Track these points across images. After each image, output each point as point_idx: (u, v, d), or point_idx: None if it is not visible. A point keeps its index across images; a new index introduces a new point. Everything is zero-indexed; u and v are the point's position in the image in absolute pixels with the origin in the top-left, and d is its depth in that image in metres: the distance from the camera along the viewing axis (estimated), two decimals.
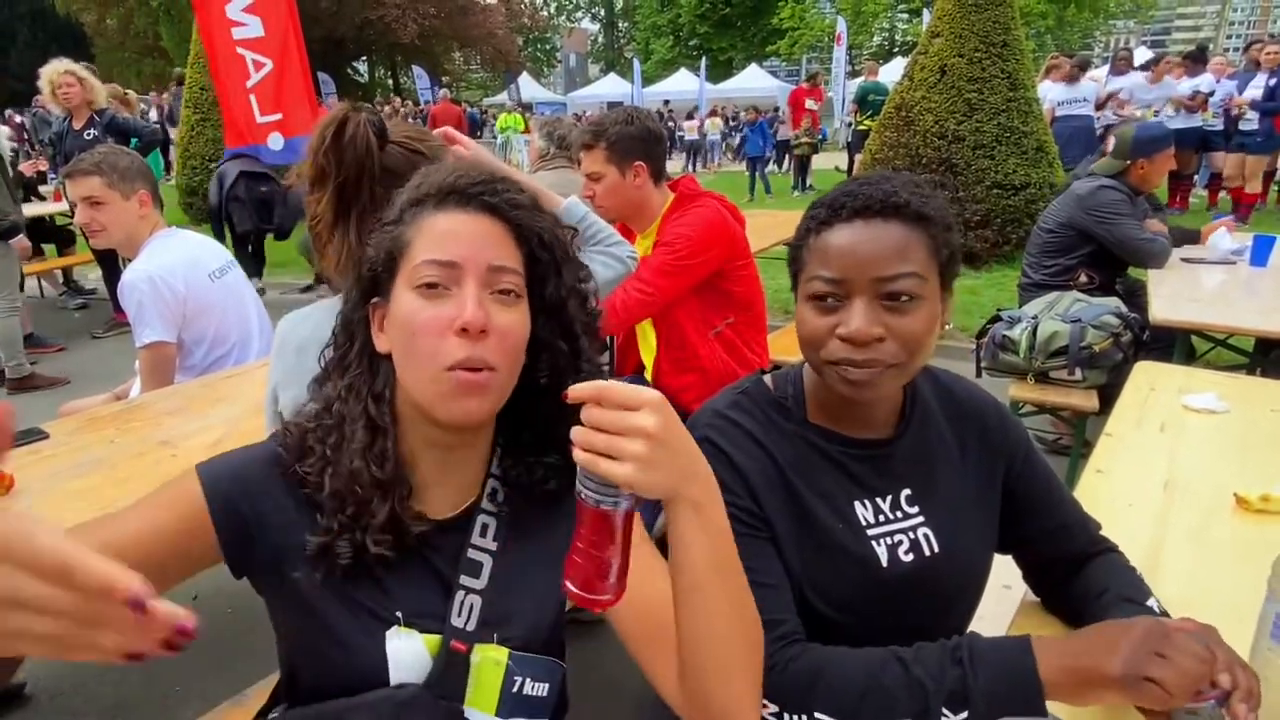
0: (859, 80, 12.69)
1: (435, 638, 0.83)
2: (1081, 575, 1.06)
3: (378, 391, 0.84)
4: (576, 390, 0.66)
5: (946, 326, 1.00)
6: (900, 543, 1.00)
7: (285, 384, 1.29)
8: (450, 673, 0.82)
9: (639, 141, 2.09)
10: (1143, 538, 1.21)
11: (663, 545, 1.05)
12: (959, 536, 1.03)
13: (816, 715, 0.87)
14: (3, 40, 25.04)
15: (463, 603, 0.85)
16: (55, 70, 5.03)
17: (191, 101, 9.49)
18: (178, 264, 2.32)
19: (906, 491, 1.03)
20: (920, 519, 1.02)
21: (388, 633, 0.81)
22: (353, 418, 0.83)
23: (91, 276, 6.80)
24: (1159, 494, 1.42)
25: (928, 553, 1.00)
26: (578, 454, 0.65)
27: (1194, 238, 3.77)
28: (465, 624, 0.84)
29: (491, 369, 0.78)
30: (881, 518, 1.01)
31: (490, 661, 0.84)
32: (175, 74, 7.20)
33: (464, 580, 0.85)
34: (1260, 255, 3.34)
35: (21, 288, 4.78)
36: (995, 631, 1.14)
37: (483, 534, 0.88)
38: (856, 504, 1.01)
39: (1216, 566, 1.20)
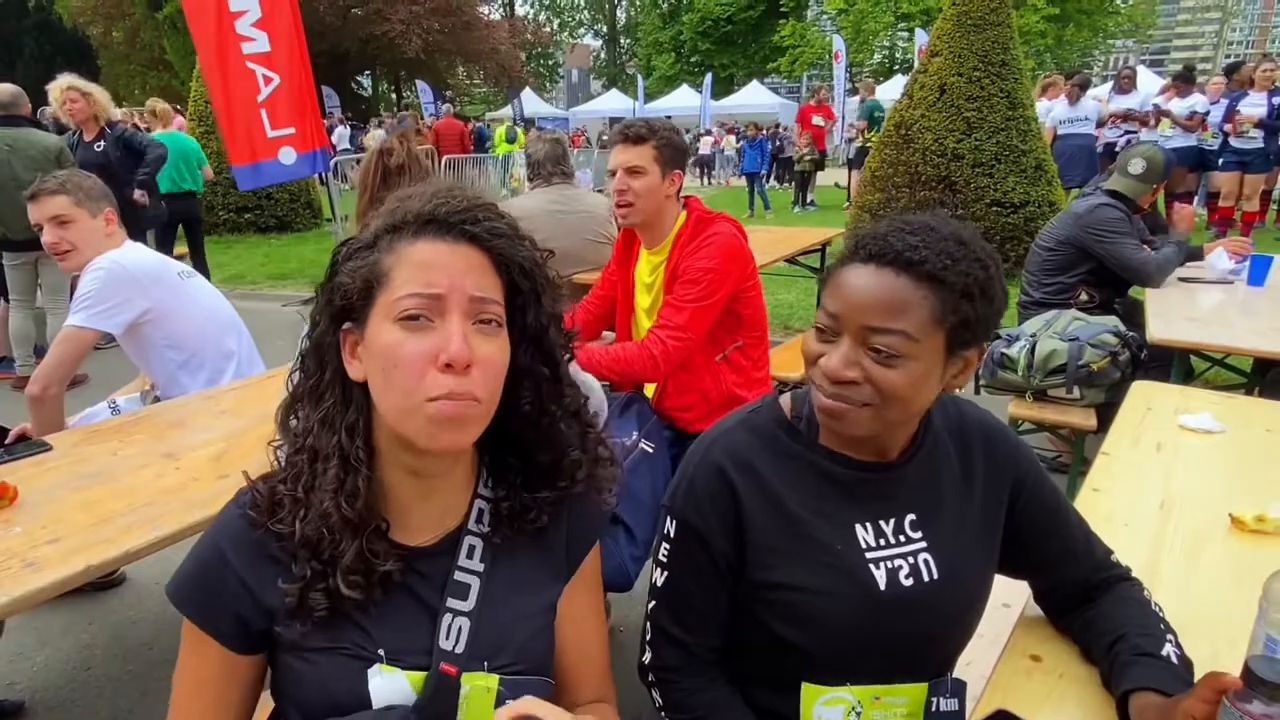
0: (857, 98, 12.78)
1: (420, 675, 0.83)
2: (1094, 608, 1.05)
3: (350, 423, 0.82)
4: None
5: (958, 389, 1.01)
6: (900, 567, 1.01)
7: None
8: (440, 697, 0.82)
9: (682, 154, 2.14)
10: (1138, 557, 1.21)
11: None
12: (961, 563, 1.03)
13: None
14: (9, 52, 25.14)
15: (450, 625, 0.85)
16: (59, 86, 5.08)
17: (196, 114, 9.57)
18: (150, 261, 2.41)
19: (911, 516, 1.03)
20: (923, 544, 1.02)
21: (369, 671, 0.81)
22: (326, 454, 0.81)
23: None
24: (1155, 513, 1.43)
25: (927, 578, 1.01)
26: None
27: (1196, 254, 3.77)
28: (454, 647, 0.84)
29: (475, 399, 0.78)
30: (883, 541, 1.01)
31: (481, 689, 0.84)
32: None
33: (451, 603, 0.85)
34: (1258, 275, 3.34)
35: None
36: (992, 650, 1.14)
37: (469, 555, 0.88)
38: (858, 526, 1.02)
39: (1211, 587, 1.20)
